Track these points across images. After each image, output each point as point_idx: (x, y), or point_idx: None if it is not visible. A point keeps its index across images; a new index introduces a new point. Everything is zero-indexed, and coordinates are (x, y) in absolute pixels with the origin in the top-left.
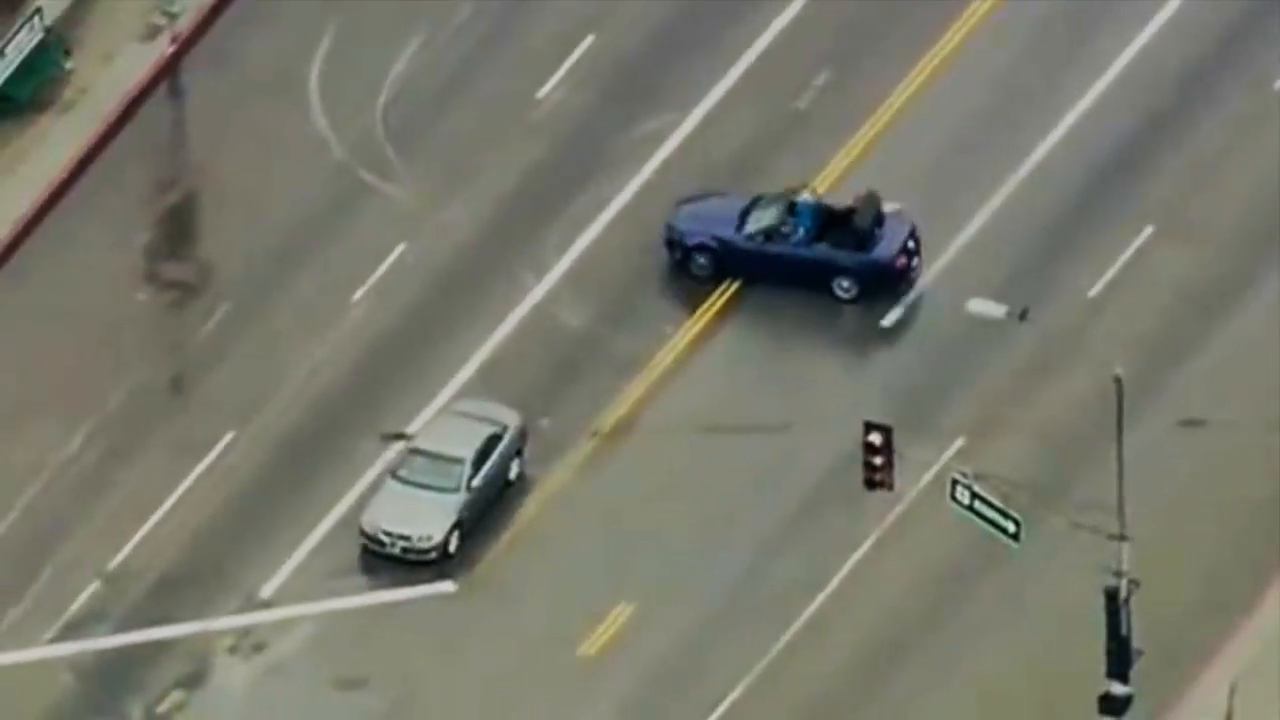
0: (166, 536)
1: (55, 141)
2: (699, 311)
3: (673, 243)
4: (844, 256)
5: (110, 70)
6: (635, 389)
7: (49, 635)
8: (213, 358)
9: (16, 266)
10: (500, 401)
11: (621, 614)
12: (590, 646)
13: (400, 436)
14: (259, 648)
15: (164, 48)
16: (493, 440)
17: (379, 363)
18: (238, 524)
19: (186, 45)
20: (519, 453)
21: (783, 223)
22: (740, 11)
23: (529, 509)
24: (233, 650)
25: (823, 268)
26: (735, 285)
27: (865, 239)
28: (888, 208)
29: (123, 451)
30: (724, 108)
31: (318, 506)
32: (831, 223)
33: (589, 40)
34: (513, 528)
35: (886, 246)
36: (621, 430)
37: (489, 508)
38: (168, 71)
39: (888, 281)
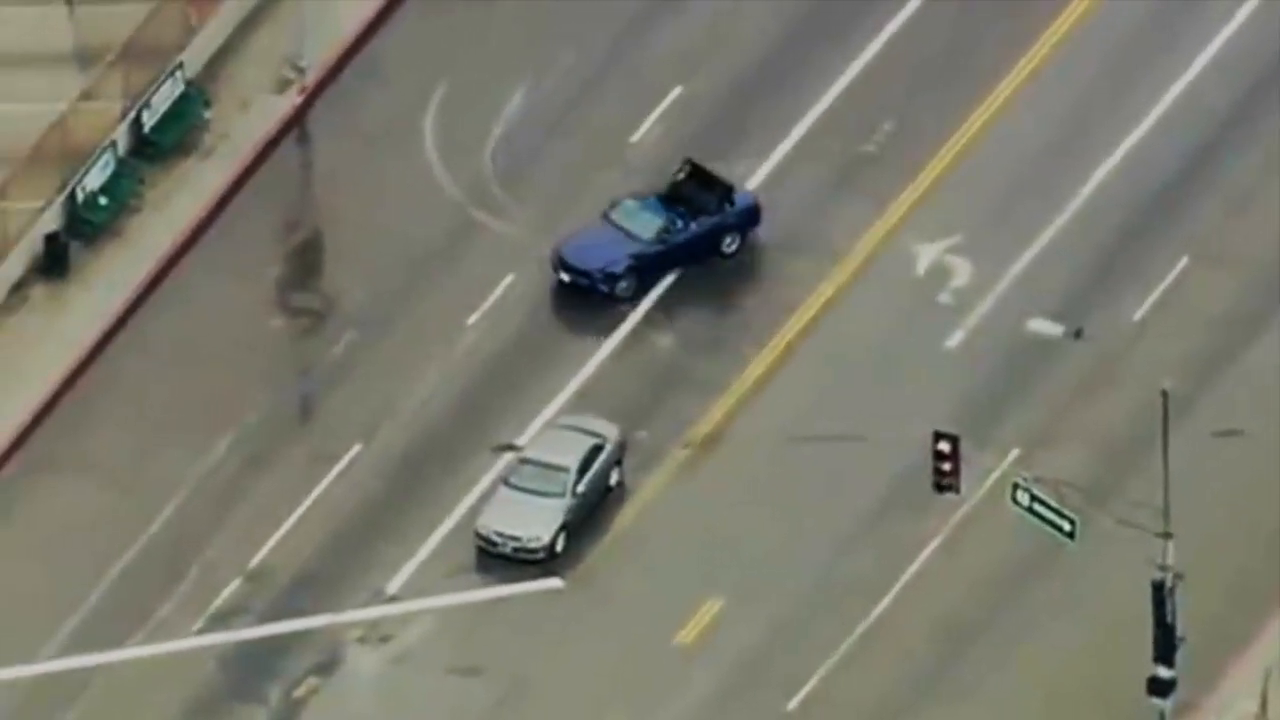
0: (301, 538)
1: (196, 183)
2: (779, 334)
3: (591, 276)
4: (728, 217)
5: (245, 119)
6: (722, 404)
7: (196, 627)
8: (340, 378)
9: (163, 296)
10: (601, 416)
11: (711, 608)
12: (683, 638)
13: (510, 448)
14: (385, 639)
15: (293, 98)
16: (595, 451)
17: (490, 382)
18: (365, 527)
19: (313, 96)
20: (619, 462)
21: (670, 220)
22: (813, 63)
23: (628, 513)
24: (362, 641)
25: (715, 236)
26: (814, 310)
27: (726, 196)
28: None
29: (260, 462)
30: (799, 151)
31: (437, 511)
32: (685, 197)
33: (678, 90)
34: (613, 530)
35: (743, 194)
36: (711, 442)
37: (592, 512)
38: (297, 120)
39: (756, 221)
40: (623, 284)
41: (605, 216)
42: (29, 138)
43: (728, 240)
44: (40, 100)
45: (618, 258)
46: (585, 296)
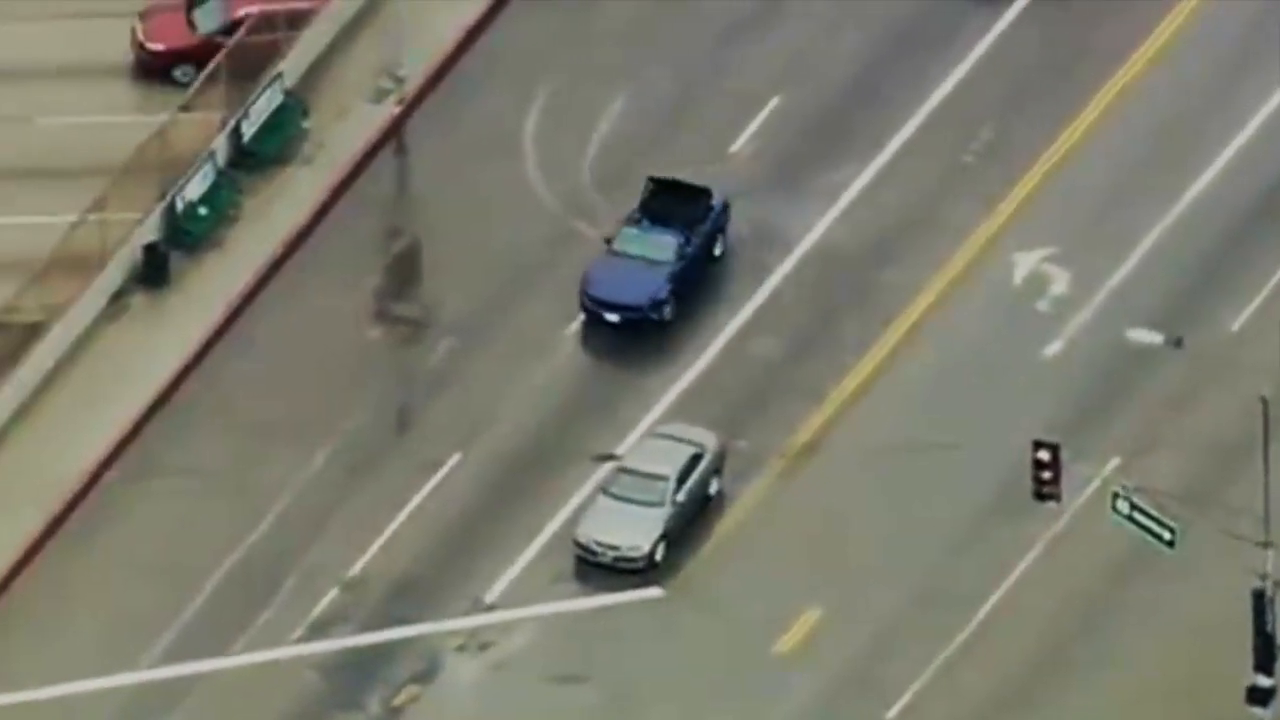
0: (401, 547)
1: (295, 193)
2: (878, 342)
3: (641, 309)
4: (717, 222)
5: (344, 129)
6: (821, 413)
7: (295, 636)
8: (439, 387)
9: (262, 306)
10: (700, 425)
11: (811, 617)
12: (783, 646)
13: (610, 457)
14: (485, 647)
15: (391, 108)
16: (694, 460)
17: (589, 390)
18: (464, 536)
19: (412, 107)
20: (718, 471)
21: (679, 237)
22: (911, 73)
23: (727, 522)
24: (461, 649)
25: (709, 243)
26: (913, 319)
27: (709, 201)
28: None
29: (360, 471)
30: (898, 161)
31: (536, 520)
32: (669, 212)
33: (775, 100)
34: (713, 539)
35: (715, 197)
36: (810, 451)
37: (691, 521)
38: (395, 130)
39: (729, 219)
40: (668, 309)
41: (611, 250)
42: (128, 149)
43: (718, 245)
44: (139, 112)
45: (658, 284)
46: (682, 307)
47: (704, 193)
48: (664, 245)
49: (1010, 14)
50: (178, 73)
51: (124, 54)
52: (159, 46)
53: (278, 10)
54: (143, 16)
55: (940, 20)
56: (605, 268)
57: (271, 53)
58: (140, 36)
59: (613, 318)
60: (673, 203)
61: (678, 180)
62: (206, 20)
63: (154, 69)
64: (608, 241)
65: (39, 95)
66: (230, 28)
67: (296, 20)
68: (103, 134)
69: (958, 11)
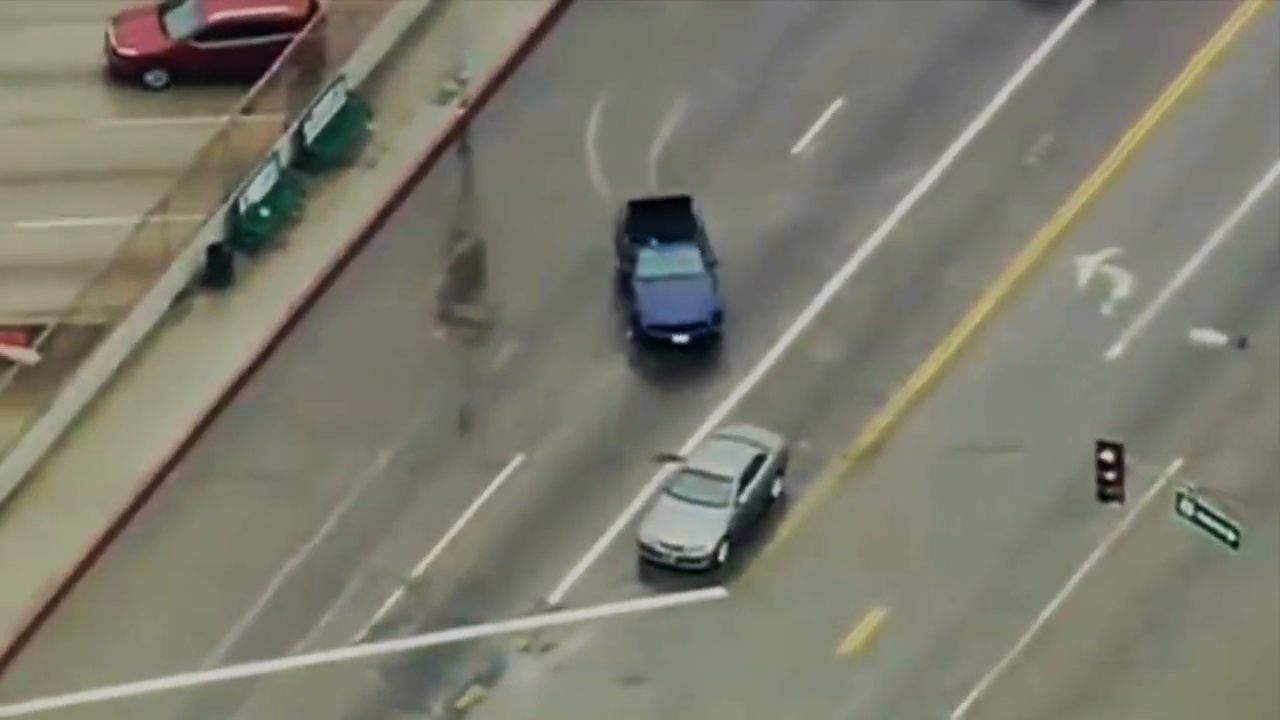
0: (464, 547)
1: (358, 195)
2: (941, 344)
3: (707, 325)
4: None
5: (408, 131)
6: (884, 415)
7: (358, 637)
8: (502, 388)
9: (325, 307)
10: (763, 427)
11: (874, 618)
12: (847, 646)
13: (673, 458)
14: (548, 648)
15: (455, 110)
16: (758, 461)
17: (652, 392)
18: (528, 537)
19: (475, 108)
20: (781, 472)
21: (699, 248)
22: (973, 76)
23: (790, 523)
24: (525, 650)
25: (706, 246)
26: (975, 321)
27: (690, 209)
28: None
29: (423, 472)
30: (960, 163)
31: (599, 521)
32: (666, 228)
33: (838, 103)
34: (776, 539)
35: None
36: (873, 452)
37: (754, 522)
38: (458, 131)
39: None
40: (723, 322)
41: (641, 280)
42: (191, 151)
43: (711, 246)
44: (202, 114)
45: (709, 297)
46: (745, 308)
47: (684, 200)
48: (689, 260)
49: (1071, 17)
50: (150, 77)
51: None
52: (131, 51)
53: (245, 16)
54: (115, 21)
55: (1002, 21)
56: (651, 295)
57: (335, 55)
58: (113, 41)
59: (681, 339)
60: (663, 218)
61: (651, 199)
62: (179, 25)
63: (126, 74)
64: (625, 274)
65: (94, 97)
66: (203, 33)
67: (263, 27)
68: (165, 137)
69: (1019, 12)
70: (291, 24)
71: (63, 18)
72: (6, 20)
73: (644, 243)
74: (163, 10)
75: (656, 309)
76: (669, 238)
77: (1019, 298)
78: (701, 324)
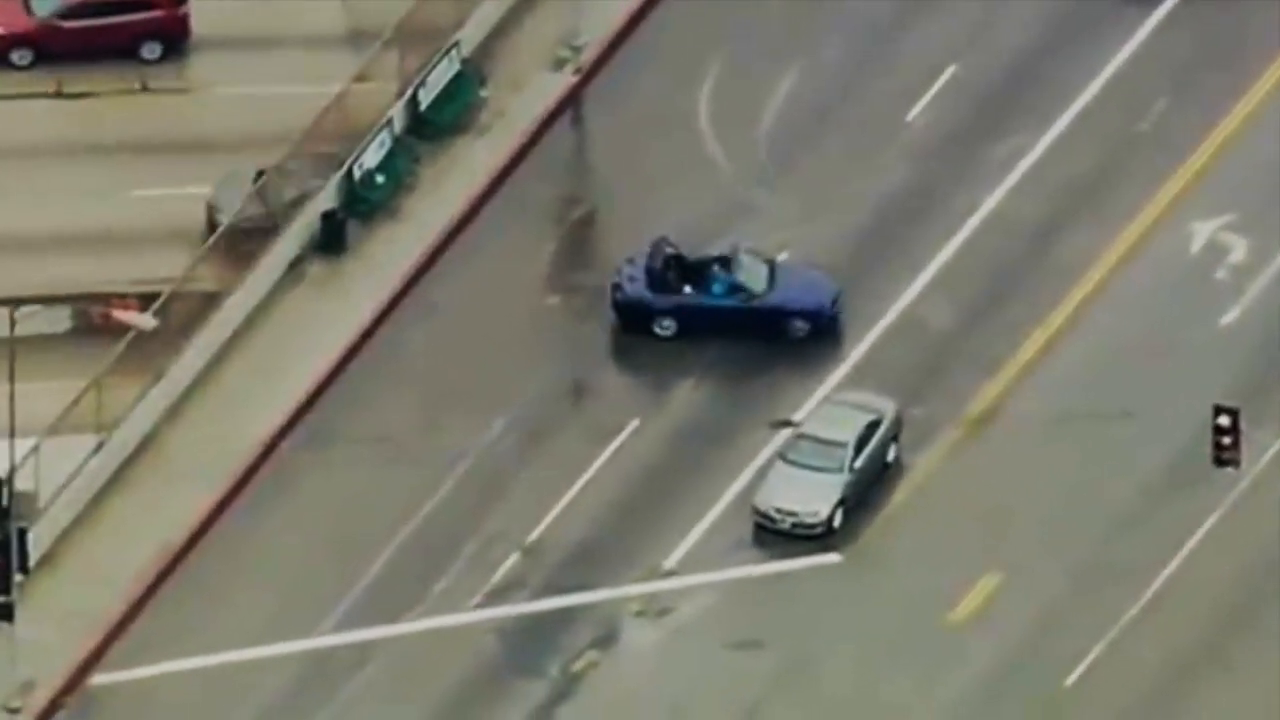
0: (579, 513)
1: (472, 162)
2: (1054, 311)
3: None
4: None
5: (521, 98)
6: (998, 381)
7: (475, 602)
8: (617, 354)
9: (440, 273)
10: (878, 392)
11: (988, 584)
12: (960, 612)
13: (787, 424)
14: (663, 613)
15: (569, 78)
16: (872, 426)
17: (768, 357)
18: (643, 502)
19: (589, 76)
20: (895, 438)
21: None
22: (1085, 44)
23: (904, 489)
24: (640, 615)
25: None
26: (1089, 288)
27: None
28: None
29: (538, 437)
30: (1074, 129)
31: (714, 487)
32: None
33: (951, 70)
34: (890, 505)
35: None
36: (986, 419)
37: (869, 487)
38: (572, 99)
39: None
40: (797, 323)
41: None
42: (307, 118)
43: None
44: (317, 82)
45: (827, 282)
46: (858, 276)
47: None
48: (759, 273)
49: None
50: (15, 56)
51: (299, 24)
52: None
53: None
54: None
55: None
56: (789, 288)
57: (448, 22)
58: None
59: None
60: (689, 268)
61: (678, 254)
62: (43, 4)
63: None
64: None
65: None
66: (67, 12)
67: (126, 5)
68: (281, 104)
69: None
70: (154, 0)
71: None
72: None
73: (712, 270)
74: None
75: (790, 299)
76: (715, 263)
77: (1132, 265)
78: (835, 300)
